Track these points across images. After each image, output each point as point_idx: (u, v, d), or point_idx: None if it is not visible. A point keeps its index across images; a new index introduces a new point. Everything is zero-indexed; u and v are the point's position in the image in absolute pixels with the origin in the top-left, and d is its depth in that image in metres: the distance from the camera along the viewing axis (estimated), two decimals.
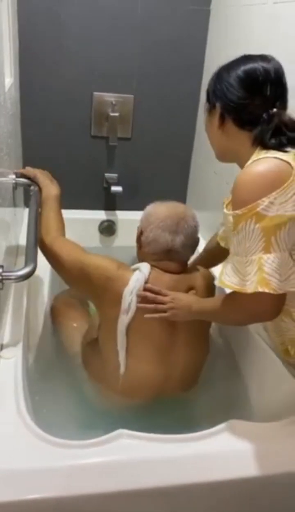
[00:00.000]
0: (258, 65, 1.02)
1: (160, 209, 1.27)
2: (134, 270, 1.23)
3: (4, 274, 1.11)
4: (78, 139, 2.23)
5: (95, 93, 2.15)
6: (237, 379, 1.43)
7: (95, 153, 2.29)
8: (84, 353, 1.39)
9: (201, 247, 2.04)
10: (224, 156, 1.15)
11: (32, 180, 1.59)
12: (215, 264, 1.49)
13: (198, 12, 2.08)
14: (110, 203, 2.42)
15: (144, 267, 1.23)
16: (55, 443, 0.97)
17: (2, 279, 1.11)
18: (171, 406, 1.30)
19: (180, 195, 2.45)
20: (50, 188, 1.52)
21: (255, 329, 1.38)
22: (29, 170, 1.61)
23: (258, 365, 1.35)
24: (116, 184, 2.29)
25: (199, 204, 2.28)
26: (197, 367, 1.34)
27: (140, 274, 1.20)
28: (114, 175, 2.34)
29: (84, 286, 1.28)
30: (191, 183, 2.43)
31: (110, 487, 0.91)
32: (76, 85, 2.12)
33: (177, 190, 2.44)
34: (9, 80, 1.68)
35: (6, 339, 1.28)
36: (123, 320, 1.19)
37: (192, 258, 1.44)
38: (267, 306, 0.98)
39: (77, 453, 0.95)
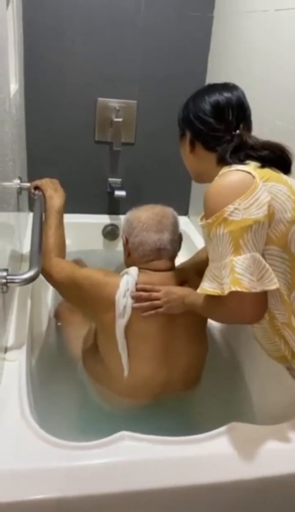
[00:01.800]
0: (221, 95, 1.13)
1: (139, 213, 1.33)
2: (123, 275, 1.27)
3: (8, 277, 1.13)
4: (82, 144, 2.25)
5: (99, 98, 2.17)
6: (239, 381, 1.44)
7: (99, 158, 2.31)
8: (85, 357, 1.41)
9: (194, 246, 2.07)
10: (198, 177, 1.26)
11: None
12: None
13: (201, 18, 2.11)
14: (114, 207, 2.43)
15: (132, 270, 1.27)
16: (58, 444, 0.98)
17: (7, 283, 1.13)
18: (173, 408, 1.31)
19: (183, 199, 2.47)
20: (53, 200, 1.55)
21: (253, 334, 1.39)
22: (36, 183, 1.64)
23: (259, 367, 1.35)
24: (120, 188, 2.31)
25: (202, 208, 2.29)
26: (197, 364, 1.36)
27: (129, 277, 1.24)
28: (118, 180, 2.36)
29: (78, 298, 1.33)
30: (194, 187, 2.44)
31: (112, 488, 0.92)
32: (80, 91, 2.14)
33: (180, 195, 2.45)
34: (14, 86, 1.71)
35: (10, 342, 1.29)
36: (121, 323, 1.21)
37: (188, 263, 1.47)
38: (244, 306, 1.02)
39: (80, 455, 0.96)
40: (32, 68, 2.04)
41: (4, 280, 1.12)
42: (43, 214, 1.54)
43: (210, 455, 1.01)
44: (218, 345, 1.59)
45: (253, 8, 1.70)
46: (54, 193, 1.58)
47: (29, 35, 1.98)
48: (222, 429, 1.06)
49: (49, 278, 1.39)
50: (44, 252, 1.39)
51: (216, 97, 1.13)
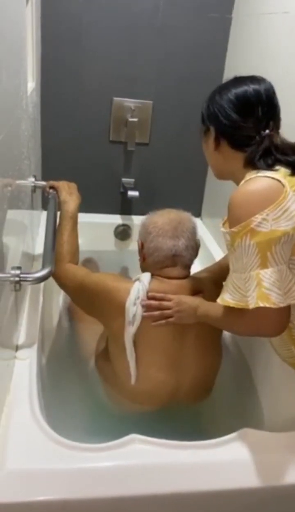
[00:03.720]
0: (249, 87, 1.05)
1: (155, 218, 1.30)
2: (135, 281, 1.24)
3: (22, 275, 1.12)
4: (96, 144, 2.25)
5: (115, 98, 2.17)
6: (250, 387, 1.42)
7: (113, 158, 2.30)
8: (97, 358, 1.40)
9: (207, 248, 2.06)
10: (221, 175, 1.19)
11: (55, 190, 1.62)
12: None
13: (219, 20, 2.09)
14: (127, 207, 2.43)
15: (144, 276, 1.24)
16: (68, 445, 0.97)
17: (20, 281, 1.12)
18: (182, 413, 1.30)
19: (196, 200, 2.46)
20: (67, 205, 1.54)
21: (268, 338, 1.37)
22: (52, 183, 1.64)
23: (271, 373, 1.34)
24: (133, 189, 2.30)
25: (215, 210, 2.29)
26: (209, 375, 1.33)
27: (140, 284, 1.21)
28: (131, 180, 2.36)
29: (89, 304, 1.32)
30: (207, 189, 2.43)
31: (122, 492, 0.91)
32: (96, 91, 2.14)
33: (193, 196, 2.44)
34: (31, 84, 1.71)
35: (21, 340, 1.29)
36: (129, 331, 1.19)
37: (206, 271, 1.45)
38: (269, 321, 0.99)
39: (90, 457, 0.96)
40: (49, 66, 2.04)
41: (17, 278, 1.11)
42: (58, 213, 1.54)
43: (220, 461, 1.00)
44: (229, 349, 1.57)
45: (272, 10, 1.69)
46: (69, 197, 1.56)
47: (47, 33, 1.98)
48: (233, 435, 1.05)
49: (62, 284, 1.39)
50: (56, 258, 1.38)
51: (244, 89, 1.05)
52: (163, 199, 2.36)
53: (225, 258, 1.51)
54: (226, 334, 1.52)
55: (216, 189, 2.27)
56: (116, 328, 1.21)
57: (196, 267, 1.49)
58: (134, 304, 1.18)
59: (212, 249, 2.08)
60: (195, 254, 1.32)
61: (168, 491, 0.93)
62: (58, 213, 1.55)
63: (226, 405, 1.39)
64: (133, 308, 1.18)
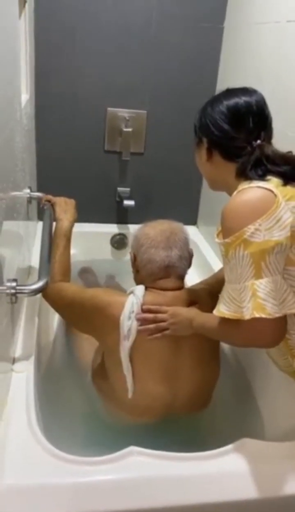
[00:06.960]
0: (240, 99, 1.06)
1: (147, 230, 1.29)
2: (129, 294, 1.23)
3: (18, 288, 1.12)
4: (91, 154, 2.26)
5: (109, 108, 2.18)
6: (249, 397, 1.42)
7: (108, 168, 2.31)
8: (94, 372, 1.38)
9: (203, 256, 2.06)
10: (214, 185, 1.19)
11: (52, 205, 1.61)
12: None
13: (212, 29, 2.11)
14: (123, 216, 2.43)
15: (138, 290, 1.23)
16: (66, 459, 0.96)
17: (16, 293, 1.12)
18: (181, 425, 1.29)
19: (192, 208, 2.46)
20: (61, 223, 1.53)
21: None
22: (50, 198, 1.64)
23: (270, 383, 1.33)
24: (129, 198, 2.31)
25: (210, 219, 2.29)
26: (206, 386, 1.31)
27: (134, 298, 1.20)
28: (127, 189, 2.36)
29: (83, 321, 1.30)
30: (203, 198, 2.44)
31: (121, 505, 0.90)
32: (90, 101, 2.15)
33: (189, 205, 2.45)
34: (25, 96, 1.71)
35: (18, 353, 1.28)
36: (125, 346, 1.17)
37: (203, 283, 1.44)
38: (265, 331, 0.98)
39: (88, 470, 0.95)
40: (43, 77, 2.05)
41: (13, 291, 1.11)
42: (54, 224, 1.54)
43: (220, 472, 0.99)
44: (227, 360, 1.57)
45: (264, 20, 1.70)
46: (64, 215, 1.54)
47: (40, 45, 2.00)
48: (232, 445, 1.04)
49: (52, 301, 1.38)
50: None
51: (235, 101, 1.06)
52: (158, 207, 2.38)
53: (221, 270, 1.50)
54: (224, 344, 1.51)
55: (212, 197, 2.27)
56: (112, 343, 1.20)
57: (193, 275, 1.48)
58: (129, 318, 1.17)
59: (208, 257, 2.08)
60: (188, 264, 1.31)
61: (168, 503, 0.92)
62: (54, 223, 1.54)
63: (225, 416, 1.38)
64: (128, 322, 1.17)
